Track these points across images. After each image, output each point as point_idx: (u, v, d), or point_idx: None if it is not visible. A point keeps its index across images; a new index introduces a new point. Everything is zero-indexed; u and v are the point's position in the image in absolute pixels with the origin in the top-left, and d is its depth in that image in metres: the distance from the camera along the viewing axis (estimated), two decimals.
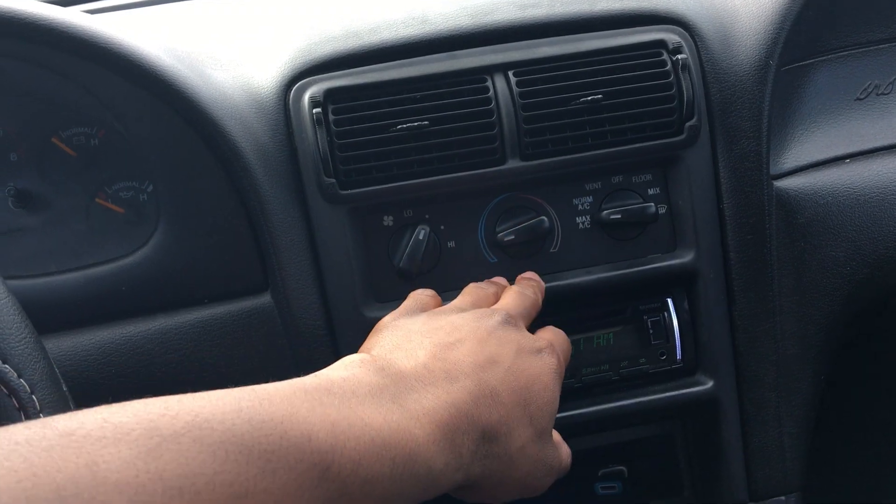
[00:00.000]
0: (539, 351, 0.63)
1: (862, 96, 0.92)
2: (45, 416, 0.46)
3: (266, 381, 0.81)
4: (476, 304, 0.71)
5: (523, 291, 0.74)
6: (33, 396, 0.46)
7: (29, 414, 0.45)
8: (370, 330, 0.81)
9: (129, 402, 0.38)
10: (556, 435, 0.66)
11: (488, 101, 0.80)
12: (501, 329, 0.63)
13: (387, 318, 0.69)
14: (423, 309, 0.71)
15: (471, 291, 0.75)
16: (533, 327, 0.85)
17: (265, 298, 0.82)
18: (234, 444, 0.37)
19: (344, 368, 0.52)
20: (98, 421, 0.35)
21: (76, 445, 0.34)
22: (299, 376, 0.81)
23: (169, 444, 0.35)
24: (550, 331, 0.74)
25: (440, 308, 0.71)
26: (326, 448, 0.40)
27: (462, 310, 0.68)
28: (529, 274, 0.80)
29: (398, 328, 0.64)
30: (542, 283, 0.79)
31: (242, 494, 0.36)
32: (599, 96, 0.80)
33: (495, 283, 0.78)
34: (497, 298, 0.74)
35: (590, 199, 0.85)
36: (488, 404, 0.53)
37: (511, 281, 0.82)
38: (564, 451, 0.68)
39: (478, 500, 0.59)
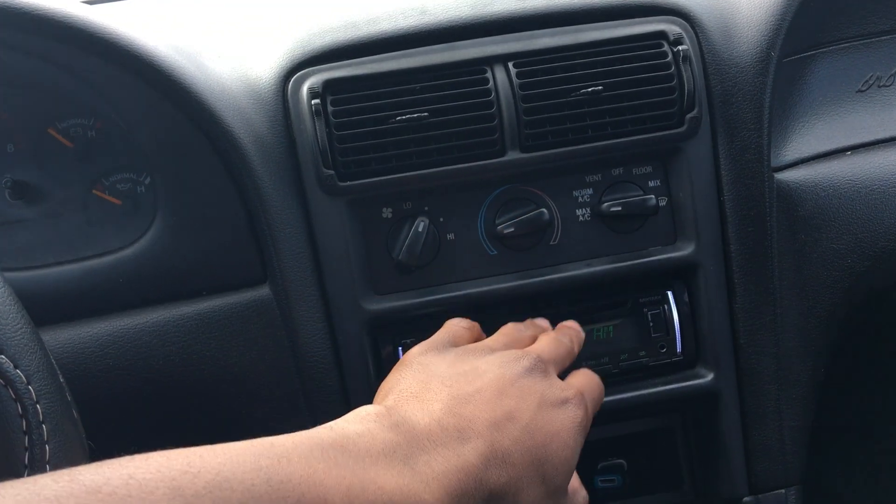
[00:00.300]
0: (564, 402, 0.61)
1: (863, 88, 0.91)
2: (41, 407, 0.46)
3: (265, 374, 0.81)
4: (509, 345, 0.69)
5: (560, 338, 0.72)
6: (30, 387, 0.45)
7: (25, 404, 0.45)
8: (369, 322, 0.81)
9: (152, 456, 0.40)
10: (574, 481, 0.65)
11: (488, 92, 0.80)
12: (527, 377, 0.61)
13: (415, 351, 0.68)
14: (455, 343, 0.69)
15: (507, 332, 0.73)
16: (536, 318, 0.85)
17: (264, 290, 0.82)
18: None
19: (359, 422, 0.53)
20: (124, 478, 0.37)
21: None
22: (297, 371, 0.81)
23: None
24: (582, 375, 0.71)
25: (470, 346, 0.68)
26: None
27: (493, 350, 0.66)
28: (570, 323, 0.78)
29: (422, 369, 0.63)
30: (582, 333, 0.77)
31: None
32: (600, 88, 0.80)
33: (535, 325, 0.76)
34: (533, 341, 0.72)
35: (590, 191, 0.85)
36: (498, 466, 0.53)
37: (510, 272, 0.82)
38: (580, 498, 0.67)
39: None
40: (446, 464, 0.50)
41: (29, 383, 0.45)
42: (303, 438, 0.47)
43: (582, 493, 0.67)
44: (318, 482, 0.42)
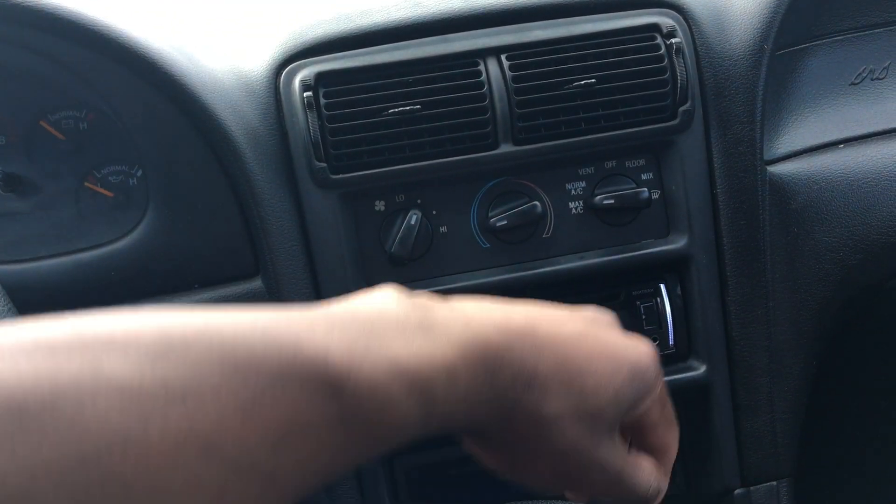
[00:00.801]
0: (638, 345, 0.52)
1: (856, 81, 0.91)
2: None
3: None
4: None
5: None
6: None
7: None
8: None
9: (142, 310, 0.37)
10: (644, 463, 0.54)
11: (481, 84, 0.79)
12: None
13: None
14: None
15: None
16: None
17: (256, 283, 0.81)
18: (244, 355, 0.35)
19: (370, 298, 0.46)
20: (109, 323, 0.35)
21: (83, 347, 0.33)
22: None
23: (178, 351, 0.34)
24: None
25: None
26: (342, 368, 0.38)
27: None
28: None
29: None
30: None
31: (248, 404, 0.34)
32: (593, 80, 0.80)
33: None
34: None
35: (583, 184, 0.85)
36: (527, 346, 0.46)
37: (502, 265, 0.82)
38: (646, 471, 0.54)
39: (504, 465, 0.51)
40: (466, 333, 0.44)
41: None
42: (306, 310, 0.42)
43: (650, 471, 0.54)
44: (319, 339, 0.38)
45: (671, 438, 0.57)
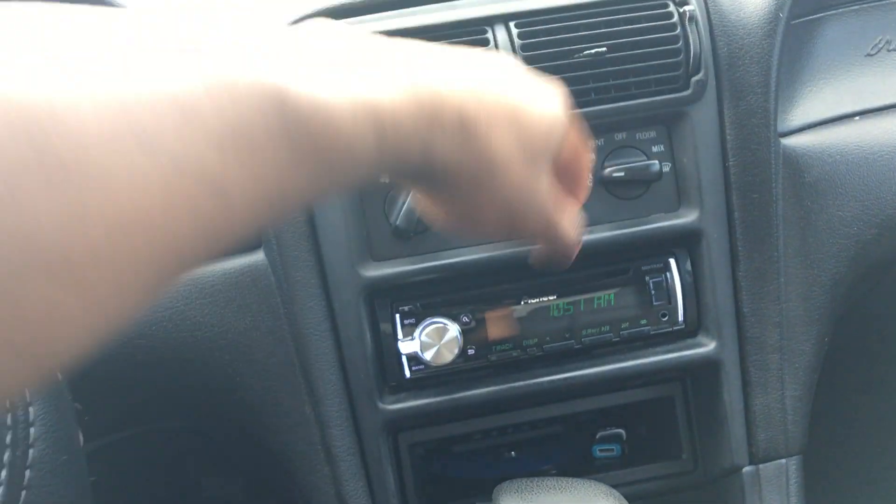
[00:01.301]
0: (547, 91, 0.55)
1: (872, 52, 0.89)
2: None
3: (260, 340, 0.80)
4: None
5: None
6: None
7: None
8: (365, 289, 0.80)
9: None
10: (571, 215, 0.60)
11: (483, 47, 0.78)
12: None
13: None
14: None
15: None
16: (533, 286, 0.84)
17: (258, 256, 0.80)
18: (184, 58, 0.35)
19: (320, 30, 0.46)
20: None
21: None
22: (292, 338, 0.80)
23: (119, 41, 0.34)
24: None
25: None
26: (282, 81, 0.37)
27: None
28: None
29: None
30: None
31: (186, 103, 0.33)
32: (603, 49, 0.78)
33: None
34: None
35: (592, 156, 0.83)
36: (469, 93, 0.48)
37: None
38: (568, 214, 0.60)
39: (457, 213, 0.54)
40: (408, 70, 0.45)
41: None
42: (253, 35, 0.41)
43: (571, 215, 0.60)
44: (262, 55, 0.38)
45: (586, 162, 0.64)
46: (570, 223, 0.60)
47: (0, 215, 0.28)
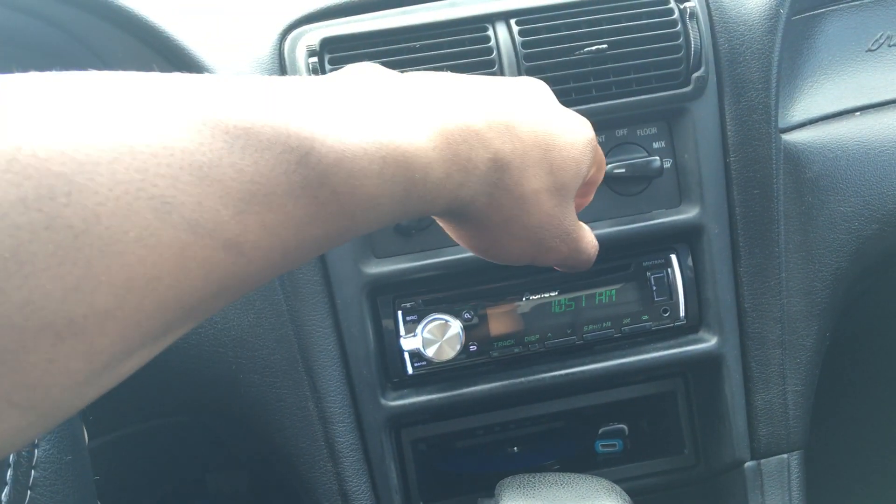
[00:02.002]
0: (577, 117, 0.57)
1: (873, 47, 0.89)
2: None
3: (263, 338, 0.80)
4: None
5: None
6: None
7: None
8: (368, 285, 0.80)
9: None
10: (586, 228, 0.61)
11: (489, 50, 0.78)
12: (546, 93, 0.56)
13: None
14: None
15: None
16: (535, 282, 0.84)
17: None
18: (201, 116, 0.34)
19: (344, 72, 0.46)
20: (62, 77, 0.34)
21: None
22: (295, 335, 0.80)
23: (132, 102, 0.33)
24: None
25: None
26: (306, 133, 0.36)
27: None
28: None
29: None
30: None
31: (205, 165, 0.33)
32: (604, 46, 0.78)
33: None
34: None
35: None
36: (502, 132, 0.48)
37: None
38: (588, 233, 0.61)
39: (482, 246, 0.55)
40: (443, 110, 0.45)
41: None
42: (275, 83, 0.41)
43: (591, 234, 0.61)
44: (282, 104, 0.37)
45: (602, 173, 0.65)
46: (590, 241, 0.61)
47: (4, 281, 0.28)
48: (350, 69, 0.46)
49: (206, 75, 0.37)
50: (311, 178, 0.36)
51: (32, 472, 0.43)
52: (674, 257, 0.85)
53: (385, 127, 0.40)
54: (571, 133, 0.54)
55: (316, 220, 0.37)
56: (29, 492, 0.42)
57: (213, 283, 0.34)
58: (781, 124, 0.85)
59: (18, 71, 0.34)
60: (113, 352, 0.31)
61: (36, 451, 0.43)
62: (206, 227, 0.33)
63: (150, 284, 0.31)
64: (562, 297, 0.84)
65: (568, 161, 0.53)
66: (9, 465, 0.41)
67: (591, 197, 0.66)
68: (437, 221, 0.55)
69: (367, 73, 0.45)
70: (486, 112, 0.47)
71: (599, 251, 0.83)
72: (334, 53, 0.77)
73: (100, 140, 0.30)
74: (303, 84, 0.40)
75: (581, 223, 0.59)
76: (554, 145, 0.52)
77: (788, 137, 0.84)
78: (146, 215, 0.31)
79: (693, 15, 0.80)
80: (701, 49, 0.80)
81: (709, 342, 0.86)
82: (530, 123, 0.50)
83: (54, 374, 0.30)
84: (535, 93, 0.54)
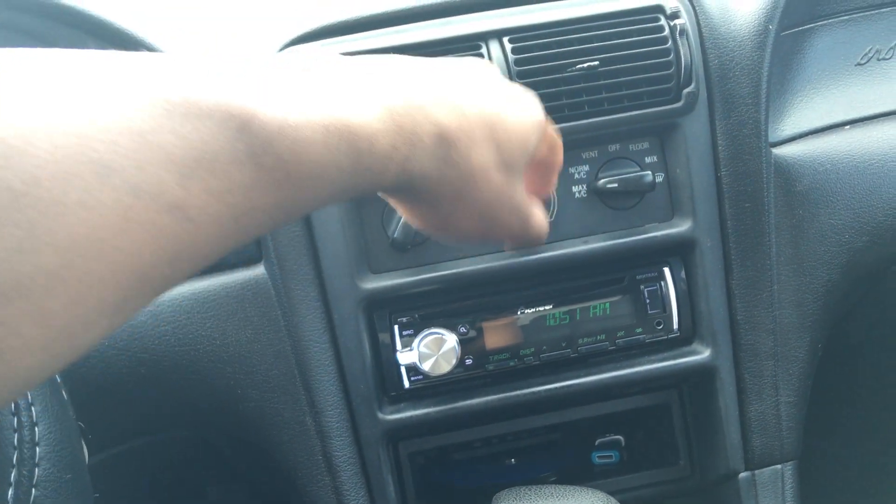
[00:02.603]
0: (524, 97, 0.57)
1: (862, 61, 0.90)
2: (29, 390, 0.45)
3: (261, 353, 0.81)
4: None
5: None
6: None
7: None
8: (364, 301, 0.81)
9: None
10: (539, 204, 0.62)
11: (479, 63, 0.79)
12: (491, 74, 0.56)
13: None
14: None
15: None
16: (530, 296, 0.85)
17: (258, 270, 0.81)
18: (137, 85, 0.35)
19: (293, 54, 0.48)
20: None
21: None
22: (293, 351, 0.81)
23: (73, 70, 0.34)
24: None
25: None
26: (247, 102, 0.37)
27: None
28: None
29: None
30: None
31: (145, 130, 0.33)
32: (596, 63, 0.79)
33: None
34: None
35: (586, 167, 0.84)
36: (447, 108, 0.49)
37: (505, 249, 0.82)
38: (539, 210, 0.62)
39: (435, 223, 0.55)
40: (388, 85, 0.46)
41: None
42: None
43: (541, 212, 0.62)
44: (227, 78, 0.38)
45: (559, 157, 0.65)
46: (541, 218, 0.62)
47: None
48: (298, 50, 0.47)
49: (151, 53, 0.38)
50: (255, 145, 0.37)
51: (33, 490, 0.43)
52: (667, 270, 0.86)
53: (327, 98, 0.41)
54: (518, 111, 0.55)
55: (264, 188, 0.38)
56: None
57: (163, 249, 0.34)
58: (772, 138, 0.86)
59: None
60: (67, 318, 0.32)
61: (36, 470, 0.44)
62: (149, 191, 0.33)
63: (94, 246, 0.32)
64: (556, 311, 0.84)
65: (514, 137, 0.54)
66: (10, 485, 0.42)
67: (553, 185, 0.67)
68: (391, 201, 0.55)
69: (314, 54, 0.46)
70: (431, 88, 0.48)
71: (593, 265, 0.84)
72: None
73: (35, 106, 0.31)
74: (247, 61, 0.41)
75: (532, 200, 0.60)
76: (500, 122, 0.52)
77: (779, 151, 0.85)
78: (87, 178, 0.32)
79: (683, 31, 0.81)
80: (691, 65, 0.81)
81: (702, 354, 0.87)
82: (476, 100, 0.51)
83: (5, 338, 0.30)
84: (481, 72, 0.55)
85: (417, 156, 0.47)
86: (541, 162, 0.63)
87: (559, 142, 0.64)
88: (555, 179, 0.67)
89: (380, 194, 0.53)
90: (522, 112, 0.55)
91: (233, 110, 0.37)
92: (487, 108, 0.52)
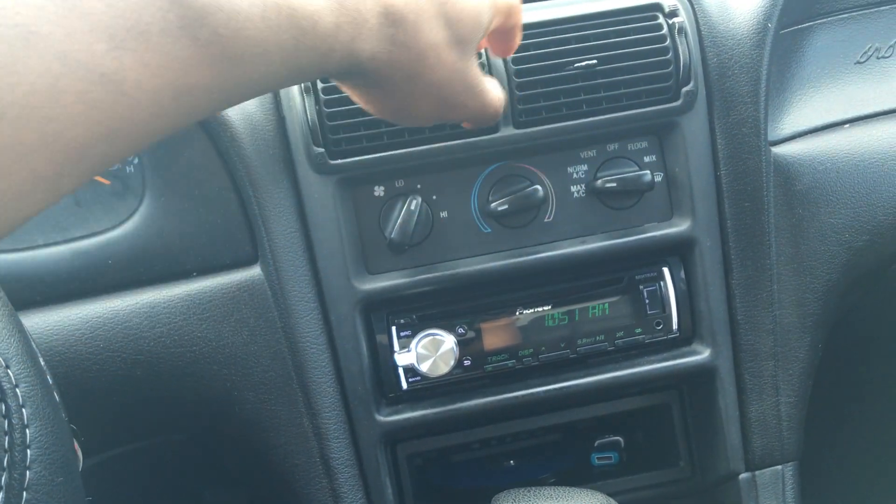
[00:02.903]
0: None
1: (862, 60, 0.90)
2: (21, 391, 0.45)
3: (257, 355, 0.81)
4: None
5: None
6: (8, 371, 0.44)
7: (3, 388, 0.44)
8: (361, 302, 0.81)
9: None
10: (493, 80, 0.61)
11: (481, 66, 0.78)
12: None
13: None
14: None
15: None
16: (528, 296, 0.84)
17: (254, 271, 0.81)
18: None
19: None
20: None
21: None
22: (289, 351, 0.81)
23: None
24: None
25: None
26: None
27: None
28: None
29: None
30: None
31: (110, 37, 0.33)
32: (594, 61, 0.79)
33: None
34: None
35: (585, 167, 0.84)
36: None
37: (504, 249, 0.81)
38: (495, 86, 0.61)
39: (391, 108, 0.54)
40: None
41: (7, 367, 0.45)
42: None
43: (498, 87, 0.62)
44: None
45: (517, 17, 0.62)
46: (496, 95, 0.61)
47: None
48: None
49: None
50: (189, 16, 0.36)
51: (24, 493, 0.43)
52: (666, 270, 0.86)
53: None
54: None
55: (201, 63, 0.37)
56: None
57: (98, 123, 0.34)
58: (771, 137, 0.85)
59: None
60: (4, 183, 0.31)
61: (28, 473, 0.44)
62: (79, 60, 0.33)
63: (24, 113, 0.31)
64: (555, 311, 0.84)
65: (465, 13, 0.52)
66: (1, 488, 0.42)
67: (517, 42, 0.66)
68: (345, 88, 0.54)
69: None
70: None
71: (592, 265, 0.84)
72: None
73: None
74: None
75: (487, 77, 0.59)
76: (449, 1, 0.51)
77: (778, 150, 0.85)
78: (13, 43, 0.31)
79: (682, 30, 0.80)
80: (690, 64, 0.80)
81: (702, 354, 0.86)
82: None
83: None
84: None
85: (364, 36, 0.45)
86: (501, 31, 0.62)
87: (516, 3, 0.62)
88: (518, 39, 0.66)
89: (334, 82, 0.52)
90: None
91: None
92: None
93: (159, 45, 0.35)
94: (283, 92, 0.78)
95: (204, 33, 0.37)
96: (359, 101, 0.55)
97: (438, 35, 0.50)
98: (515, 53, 0.78)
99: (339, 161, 0.78)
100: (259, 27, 0.39)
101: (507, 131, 0.79)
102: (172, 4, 0.36)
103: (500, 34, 0.63)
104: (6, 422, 0.43)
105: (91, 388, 0.77)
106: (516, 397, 0.84)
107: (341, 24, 0.44)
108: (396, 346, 0.82)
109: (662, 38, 0.80)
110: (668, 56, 0.80)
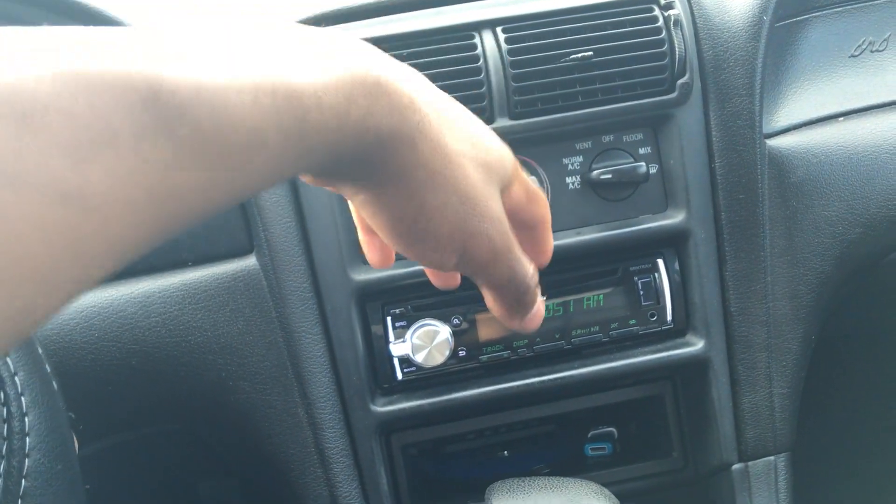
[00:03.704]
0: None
1: (856, 53, 0.90)
2: (19, 379, 0.45)
3: (253, 344, 0.81)
4: None
5: None
6: (7, 359, 0.45)
7: (2, 376, 0.44)
8: (357, 292, 0.81)
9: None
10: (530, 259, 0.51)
11: (476, 58, 0.78)
12: None
13: None
14: None
15: None
16: None
17: (250, 261, 0.81)
18: (18, 58, 0.29)
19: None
20: None
21: None
22: (285, 342, 0.81)
23: None
24: None
25: None
26: (153, 69, 0.31)
27: None
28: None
29: None
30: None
31: (27, 113, 0.28)
32: (590, 53, 0.79)
33: None
34: None
35: (580, 158, 0.84)
36: (415, 81, 0.42)
37: None
38: (527, 258, 0.51)
39: (407, 216, 0.43)
40: (344, 50, 0.38)
41: (5, 355, 0.45)
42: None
43: (529, 260, 0.51)
44: (124, 38, 0.32)
45: (544, 209, 0.53)
46: (531, 268, 0.51)
47: None
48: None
49: (53, 27, 0.32)
50: (166, 115, 0.31)
51: (23, 481, 0.43)
52: (660, 262, 0.86)
53: (259, 57, 0.35)
54: (489, 132, 0.47)
55: (184, 163, 0.32)
56: (20, 501, 0.42)
57: (61, 247, 0.29)
58: (766, 129, 0.85)
59: None
60: None
61: (27, 460, 0.44)
62: (32, 182, 0.28)
63: None
64: (550, 302, 0.84)
65: (490, 145, 0.46)
66: (0, 475, 0.42)
67: (550, 245, 0.55)
68: (354, 200, 0.44)
69: (254, 20, 0.39)
70: (395, 62, 0.41)
71: (587, 256, 0.84)
72: None
73: None
74: (164, 27, 0.35)
75: (521, 249, 0.50)
76: (473, 125, 0.46)
77: (773, 143, 0.85)
78: None
79: (677, 22, 0.81)
80: (685, 56, 0.81)
81: (696, 346, 0.86)
82: (446, 97, 0.45)
83: None
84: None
85: (381, 110, 0.39)
86: (523, 215, 0.52)
87: (541, 194, 0.53)
88: (549, 239, 0.55)
89: (333, 190, 0.45)
90: (494, 136, 0.48)
91: (134, 78, 0.31)
92: (460, 108, 0.45)
93: (133, 150, 0.31)
94: None
95: (184, 131, 0.32)
96: (368, 212, 0.45)
97: (463, 146, 0.44)
98: (511, 45, 0.78)
99: None
100: (251, 114, 0.34)
101: (503, 122, 0.79)
102: (146, 104, 0.31)
103: (527, 227, 0.53)
104: (5, 409, 0.43)
105: (86, 377, 0.77)
106: (511, 388, 0.84)
107: (354, 97, 0.38)
108: (392, 337, 0.82)
109: (658, 31, 0.80)
110: (663, 48, 0.80)
